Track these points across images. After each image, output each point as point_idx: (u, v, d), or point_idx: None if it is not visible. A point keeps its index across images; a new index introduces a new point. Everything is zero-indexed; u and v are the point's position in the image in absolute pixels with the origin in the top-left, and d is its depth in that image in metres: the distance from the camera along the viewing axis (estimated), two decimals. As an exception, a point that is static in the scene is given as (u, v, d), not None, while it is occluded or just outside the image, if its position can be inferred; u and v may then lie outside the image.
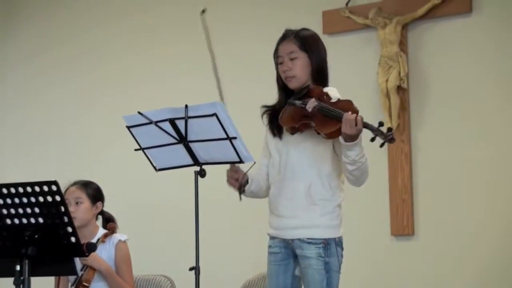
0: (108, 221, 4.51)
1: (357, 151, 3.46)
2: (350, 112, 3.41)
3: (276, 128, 3.70)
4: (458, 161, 5.26)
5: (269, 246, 3.72)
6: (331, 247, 3.57)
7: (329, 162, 3.61)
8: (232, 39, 5.93)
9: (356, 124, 3.38)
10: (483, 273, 5.15)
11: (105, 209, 4.55)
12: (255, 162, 3.69)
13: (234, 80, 5.94)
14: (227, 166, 3.77)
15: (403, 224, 5.33)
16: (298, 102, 3.56)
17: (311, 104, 3.51)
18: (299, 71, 3.64)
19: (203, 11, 3.90)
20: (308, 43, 3.67)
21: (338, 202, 3.63)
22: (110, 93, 6.45)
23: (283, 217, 3.63)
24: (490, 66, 5.22)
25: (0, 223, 3.35)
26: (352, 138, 3.42)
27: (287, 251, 3.65)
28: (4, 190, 3.32)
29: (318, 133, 3.53)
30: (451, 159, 5.28)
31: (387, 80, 5.30)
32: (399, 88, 5.31)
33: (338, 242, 3.61)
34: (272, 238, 3.70)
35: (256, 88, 5.53)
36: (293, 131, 3.59)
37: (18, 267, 3.30)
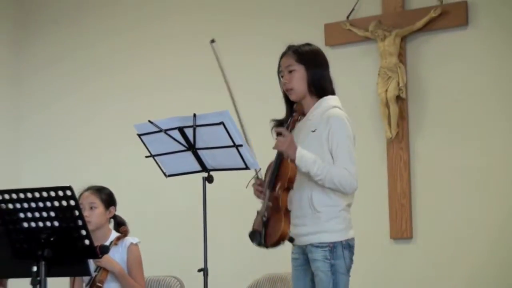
0: (120, 225, 4.55)
1: (312, 165, 3.58)
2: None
3: None
4: (455, 168, 5.28)
5: (292, 252, 3.83)
6: (337, 250, 3.64)
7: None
8: (236, 52, 5.85)
9: (277, 134, 3.61)
10: (479, 276, 5.18)
11: (117, 213, 4.60)
12: (260, 169, 3.77)
13: (238, 92, 6.04)
14: (236, 172, 3.85)
15: (401, 228, 5.34)
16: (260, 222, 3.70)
17: (265, 203, 3.65)
18: (296, 83, 3.74)
19: (213, 41, 3.93)
20: (304, 56, 3.76)
21: (343, 207, 3.69)
22: (122, 101, 6.45)
23: (295, 225, 3.70)
24: (486, 76, 5.26)
25: (18, 226, 3.38)
26: (294, 156, 3.58)
27: (304, 257, 3.74)
28: (21, 195, 3.35)
29: (292, 187, 3.65)
30: (449, 166, 5.31)
31: (386, 90, 5.33)
32: (398, 98, 5.34)
33: (346, 245, 3.67)
34: (293, 244, 3.79)
35: (259, 100, 5.61)
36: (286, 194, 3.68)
37: (35, 268, 3.32)
